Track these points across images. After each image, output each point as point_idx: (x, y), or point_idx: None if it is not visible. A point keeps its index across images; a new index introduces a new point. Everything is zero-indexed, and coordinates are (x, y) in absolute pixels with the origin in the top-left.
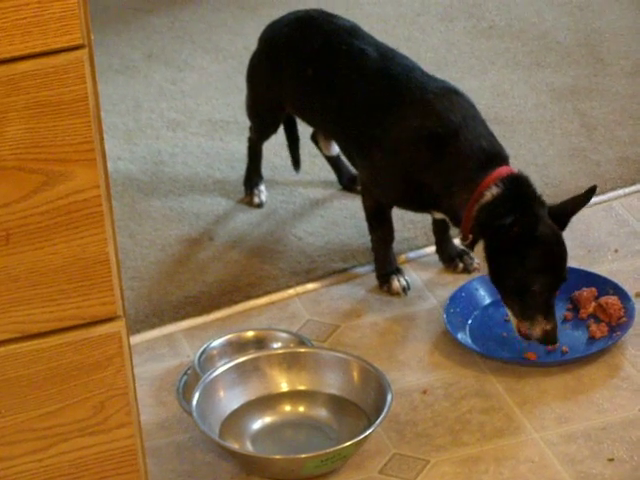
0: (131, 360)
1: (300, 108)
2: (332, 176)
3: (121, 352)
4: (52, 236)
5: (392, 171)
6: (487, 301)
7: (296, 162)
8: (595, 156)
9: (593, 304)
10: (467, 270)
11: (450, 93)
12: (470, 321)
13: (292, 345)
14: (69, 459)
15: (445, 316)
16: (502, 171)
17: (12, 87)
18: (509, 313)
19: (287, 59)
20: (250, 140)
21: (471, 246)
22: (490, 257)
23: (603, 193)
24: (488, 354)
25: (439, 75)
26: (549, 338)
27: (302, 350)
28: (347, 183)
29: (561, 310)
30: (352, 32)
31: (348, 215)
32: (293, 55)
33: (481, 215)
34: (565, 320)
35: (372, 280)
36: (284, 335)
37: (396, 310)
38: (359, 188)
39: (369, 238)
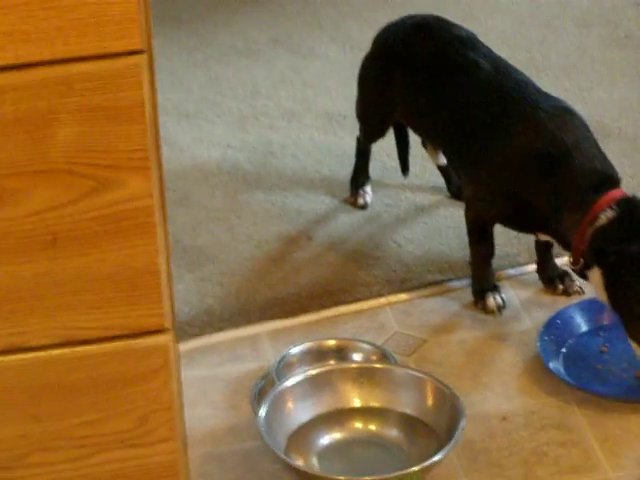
0: (178, 373)
1: (409, 116)
2: (441, 182)
3: (167, 365)
4: (100, 242)
5: (498, 189)
6: (583, 329)
7: (404, 167)
8: None
9: None
10: (567, 293)
11: (563, 112)
12: (564, 349)
13: (373, 358)
14: (108, 469)
15: (539, 343)
16: (615, 194)
17: (66, 88)
18: (632, 344)
19: (400, 65)
20: (359, 140)
21: (582, 272)
22: (610, 285)
23: None
24: (580, 386)
25: (567, 82)
26: None
27: (377, 366)
28: (456, 191)
29: None
30: (468, 42)
31: (452, 225)
32: (406, 62)
33: (596, 240)
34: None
35: (468, 295)
36: (366, 347)
37: (488, 329)
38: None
39: (469, 251)
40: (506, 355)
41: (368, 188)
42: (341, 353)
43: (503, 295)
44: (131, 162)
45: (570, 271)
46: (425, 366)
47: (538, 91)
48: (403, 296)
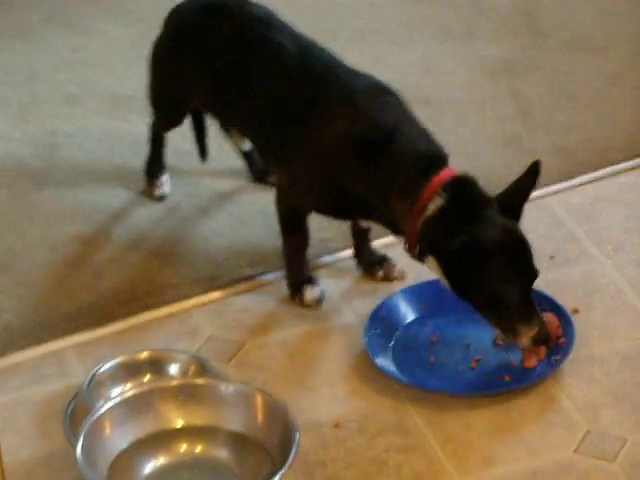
0: None
1: (210, 105)
2: (241, 165)
3: None
4: None
5: (315, 180)
6: (410, 318)
7: (203, 152)
8: (530, 144)
9: None
10: (388, 278)
11: (378, 92)
12: (392, 342)
13: (192, 369)
14: None
15: (365, 338)
16: (443, 176)
17: None
18: (490, 324)
19: (196, 50)
20: (153, 127)
21: (420, 258)
22: (448, 275)
23: (539, 188)
24: (413, 383)
25: (363, 45)
26: (542, 340)
27: (199, 382)
28: (258, 175)
29: (490, 333)
30: (268, 22)
31: (258, 211)
32: (202, 46)
33: (428, 231)
34: (496, 344)
35: (283, 289)
36: (182, 357)
37: (309, 325)
38: (271, 180)
39: (281, 241)
40: (331, 353)
41: (165, 177)
42: (156, 366)
43: (321, 286)
44: None
45: (388, 256)
46: (246, 372)
47: (348, 71)
48: (214, 295)
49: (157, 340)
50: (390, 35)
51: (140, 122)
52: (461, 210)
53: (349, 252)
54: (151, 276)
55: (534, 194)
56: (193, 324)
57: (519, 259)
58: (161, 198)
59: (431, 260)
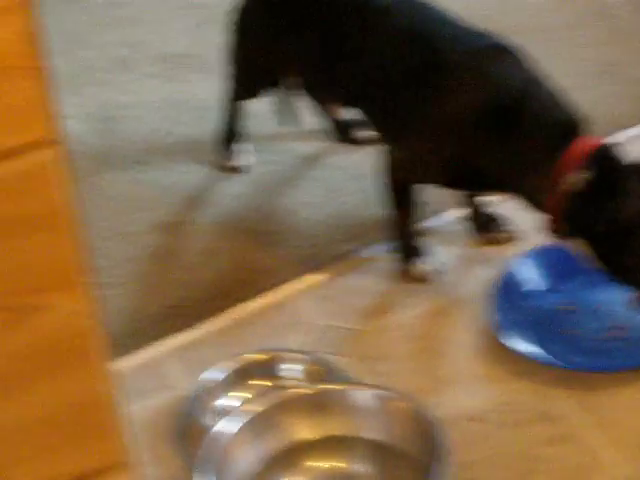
0: None
1: (309, 72)
2: (322, 125)
3: None
4: (27, 382)
5: (439, 155)
6: (540, 286)
7: (287, 115)
8: (633, 70)
9: None
10: (508, 240)
11: (502, 52)
12: (524, 316)
13: (315, 371)
14: None
15: (495, 315)
16: (584, 146)
17: None
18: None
19: (292, 14)
20: (230, 94)
21: (562, 238)
22: (601, 255)
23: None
24: (558, 363)
25: None
26: None
27: (333, 388)
28: (344, 133)
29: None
30: None
31: (349, 176)
32: (297, 12)
33: (574, 211)
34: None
35: (390, 263)
36: (299, 356)
37: (428, 303)
38: (360, 137)
39: (381, 208)
40: (456, 334)
41: (246, 146)
42: (273, 369)
43: (435, 257)
44: (53, 280)
45: (505, 215)
46: (369, 365)
47: (464, 29)
48: (316, 277)
49: (263, 336)
50: None
51: (202, 82)
52: (609, 184)
53: (455, 212)
54: (244, 262)
55: None
56: (298, 313)
57: None
58: (241, 170)
59: (580, 241)
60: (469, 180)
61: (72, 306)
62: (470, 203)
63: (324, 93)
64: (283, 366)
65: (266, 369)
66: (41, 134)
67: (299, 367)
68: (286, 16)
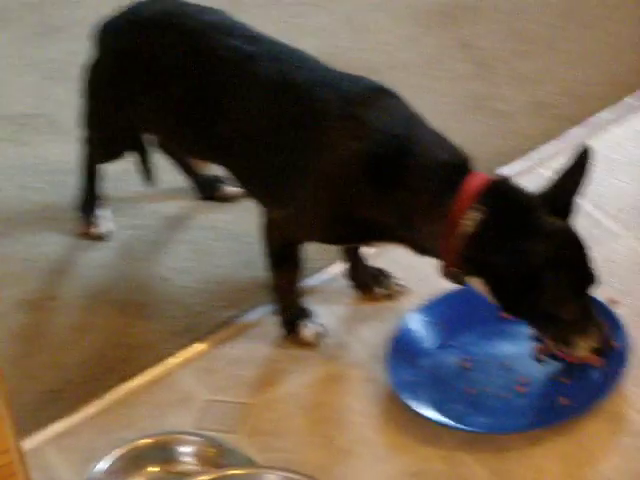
0: None
1: (171, 135)
2: (182, 182)
3: None
4: None
5: (322, 210)
6: (433, 343)
7: (148, 174)
8: (502, 105)
9: None
10: (390, 296)
11: (378, 96)
12: (420, 377)
13: (208, 453)
14: None
15: (389, 377)
16: (473, 185)
17: None
18: (545, 341)
19: (146, 72)
20: (86, 159)
21: (461, 281)
22: (499, 295)
23: (524, 154)
24: (464, 427)
25: (275, 12)
26: (603, 350)
27: (233, 473)
28: (208, 190)
29: (526, 347)
30: (224, 27)
31: (219, 237)
32: (154, 66)
33: (470, 250)
34: (537, 359)
35: (273, 327)
36: (190, 438)
37: (316, 369)
38: (221, 194)
39: (258, 269)
40: (351, 400)
41: (105, 211)
42: (165, 451)
43: (318, 319)
44: None
45: (385, 269)
46: (263, 442)
47: (337, 75)
48: (197, 348)
49: (147, 416)
50: None
51: (53, 144)
52: (506, 221)
53: (334, 270)
54: (120, 338)
55: (521, 165)
56: (182, 388)
57: (576, 267)
58: (104, 237)
59: (476, 280)
60: (356, 234)
61: None
62: (350, 258)
63: (187, 150)
64: (176, 450)
65: (158, 454)
66: None
67: (191, 449)
68: (141, 72)
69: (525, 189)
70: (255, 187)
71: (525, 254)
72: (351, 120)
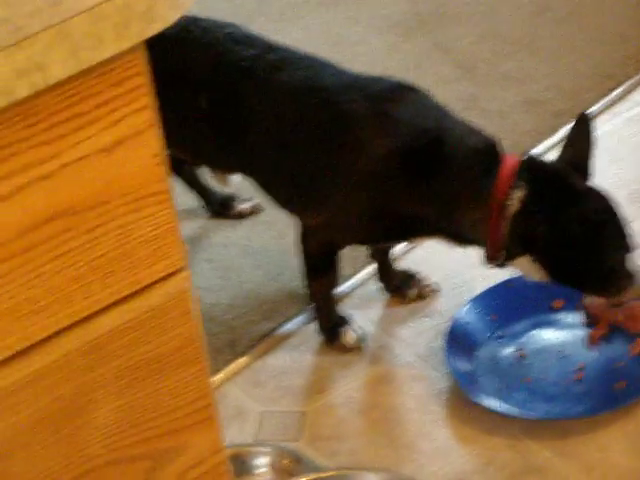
0: None
1: (197, 152)
2: (193, 200)
3: None
4: None
5: (359, 211)
6: (485, 335)
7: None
8: (491, 104)
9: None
10: (422, 296)
11: (404, 92)
12: (476, 369)
13: (285, 462)
14: None
15: (455, 375)
16: (508, 166)
17: (97, 356)
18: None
19: (169, 90)
20: None
21: (503, 264)
22: (550, 264)
23: (519, 151)
24: (527, 415)
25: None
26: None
27: (329, 475)
28: (219, 208)
29: (579, 332)
30: (243, 38)
31: (241, 253)
32: (176, 84)
33: (519, 228)
34: (590, 344)
35: (312, 337)
36: (262, 449)
37: (363, 373)
38: (235, 212)
39: (285, 280)
40: (405, 399)
41: None
42: (238, 467)
43: (358, 323)
44: (191, 417)
45: (414, 270)
46: (326, 447)
47: (360, 77)
48: (241, 362)
49: None
50: (276, 10)
51: None
52: (548, 192)
53: (359, 276)
54: None
55: None
56: (233, 403)
57: (619, 224)
58: None
59: (522, 260)
60: (396, 231)
61: (208, 442)
62: (380, 262)
63: (215, 164)
64: (249, 462)
65: (234, 464)
66: (176, 262)
67: (264, 460)
68: (165, 90)
69: (552, 161)
70: (288, 196)
71: (578, 216)
72: (381, 117)
